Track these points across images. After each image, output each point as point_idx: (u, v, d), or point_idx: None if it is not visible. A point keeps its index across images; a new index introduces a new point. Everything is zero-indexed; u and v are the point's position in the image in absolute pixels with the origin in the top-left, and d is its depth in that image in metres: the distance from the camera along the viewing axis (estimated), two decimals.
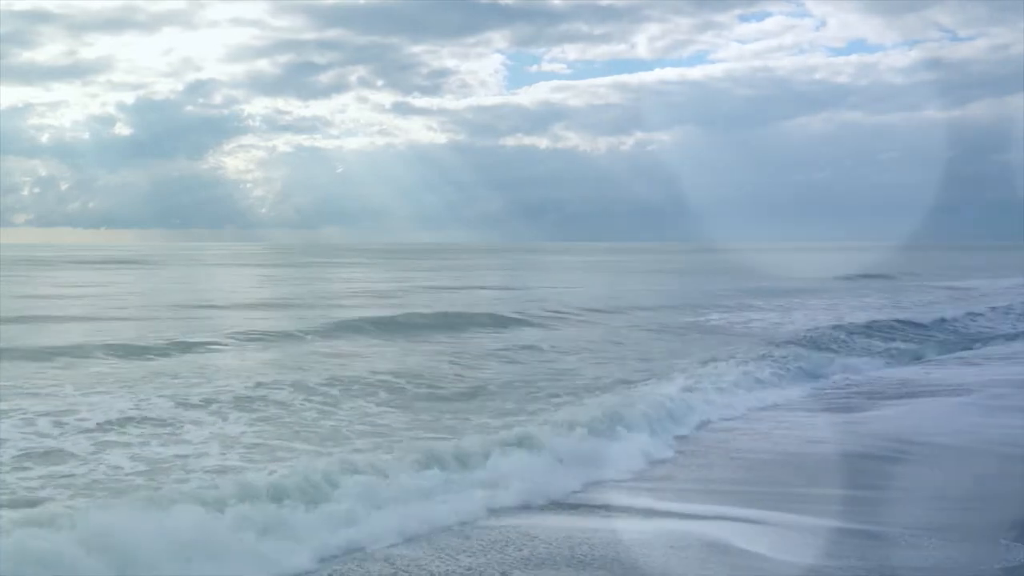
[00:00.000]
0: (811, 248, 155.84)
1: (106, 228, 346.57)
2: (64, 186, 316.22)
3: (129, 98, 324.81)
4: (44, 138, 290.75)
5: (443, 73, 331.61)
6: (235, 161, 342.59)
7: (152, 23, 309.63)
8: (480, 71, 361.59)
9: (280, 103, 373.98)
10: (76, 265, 69.26)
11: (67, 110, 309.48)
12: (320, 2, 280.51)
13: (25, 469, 9.24)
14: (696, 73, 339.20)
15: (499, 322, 25.31)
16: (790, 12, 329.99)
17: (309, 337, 20.91)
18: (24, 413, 11.68)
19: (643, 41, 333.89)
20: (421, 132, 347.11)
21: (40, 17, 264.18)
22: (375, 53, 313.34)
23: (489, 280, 51.18)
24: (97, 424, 11.23)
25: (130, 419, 11.57)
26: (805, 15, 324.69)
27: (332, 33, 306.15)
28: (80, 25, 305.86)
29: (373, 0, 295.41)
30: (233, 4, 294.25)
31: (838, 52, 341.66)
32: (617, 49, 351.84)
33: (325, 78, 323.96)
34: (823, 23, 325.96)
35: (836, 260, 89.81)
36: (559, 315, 27.96)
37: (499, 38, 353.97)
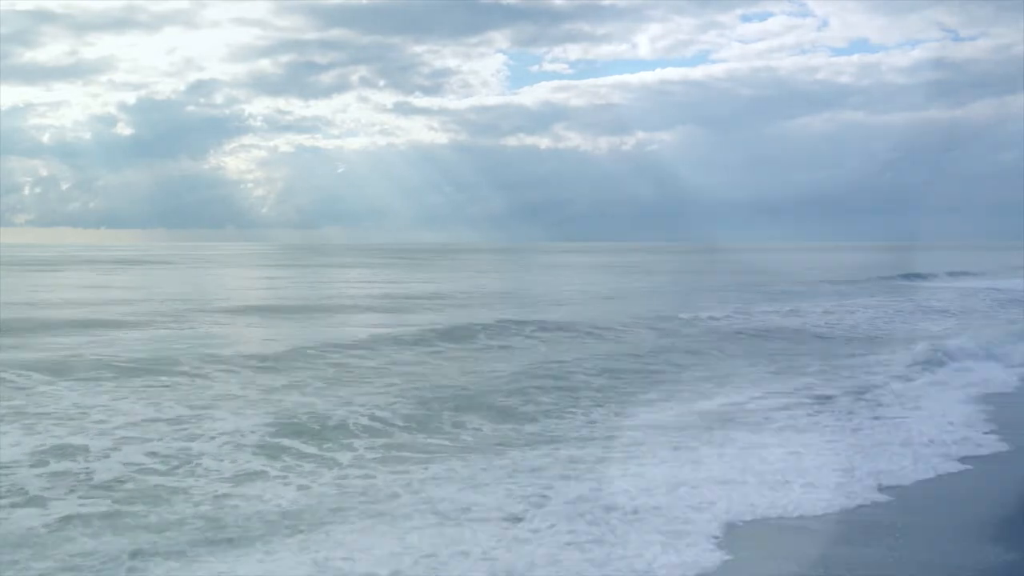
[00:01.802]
0: (817, 249, 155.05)
1: (106, 228, 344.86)
2: (65, 186, 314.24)
3: (131, 98, 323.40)
4: (45, 138, 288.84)
5: (445, 73, 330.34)
6: (236, 161, 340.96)
7: (154, 23, 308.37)
8: (482, 71, 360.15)
9: (281, 103, 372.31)
10: (89, 265, 66.92)
11: (68, 110, 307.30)
12: (322, 2, 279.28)
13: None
14: (698, 73, 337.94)
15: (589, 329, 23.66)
16: (792, 12, 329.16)
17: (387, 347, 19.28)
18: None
19: (645, 41, 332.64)
20: (423, 132, 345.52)
21: (42, 17, 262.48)
22: (377, 53, 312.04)
23: (521, 282, 49.63)
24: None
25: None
26: (807, 15, 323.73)
27: (334, 33, 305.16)
28: (82, 25, 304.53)
29: (375, 0, 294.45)
30: (235, 4, 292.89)
31: (840, 52, 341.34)
32: (619, 49, 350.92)
33: (327, 78, 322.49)
34: (825, 23, 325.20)
35: (853, 260, 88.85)
36: (629, 320, 25.97)
37: (501, 38, 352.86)
